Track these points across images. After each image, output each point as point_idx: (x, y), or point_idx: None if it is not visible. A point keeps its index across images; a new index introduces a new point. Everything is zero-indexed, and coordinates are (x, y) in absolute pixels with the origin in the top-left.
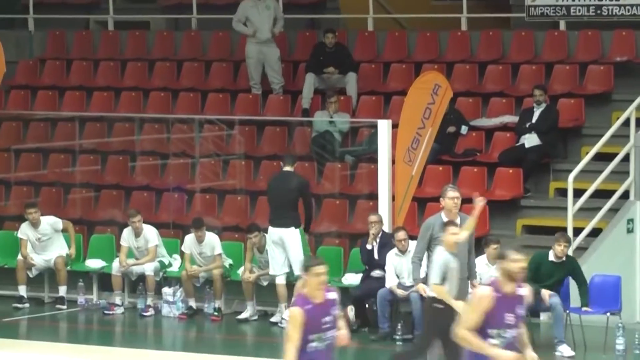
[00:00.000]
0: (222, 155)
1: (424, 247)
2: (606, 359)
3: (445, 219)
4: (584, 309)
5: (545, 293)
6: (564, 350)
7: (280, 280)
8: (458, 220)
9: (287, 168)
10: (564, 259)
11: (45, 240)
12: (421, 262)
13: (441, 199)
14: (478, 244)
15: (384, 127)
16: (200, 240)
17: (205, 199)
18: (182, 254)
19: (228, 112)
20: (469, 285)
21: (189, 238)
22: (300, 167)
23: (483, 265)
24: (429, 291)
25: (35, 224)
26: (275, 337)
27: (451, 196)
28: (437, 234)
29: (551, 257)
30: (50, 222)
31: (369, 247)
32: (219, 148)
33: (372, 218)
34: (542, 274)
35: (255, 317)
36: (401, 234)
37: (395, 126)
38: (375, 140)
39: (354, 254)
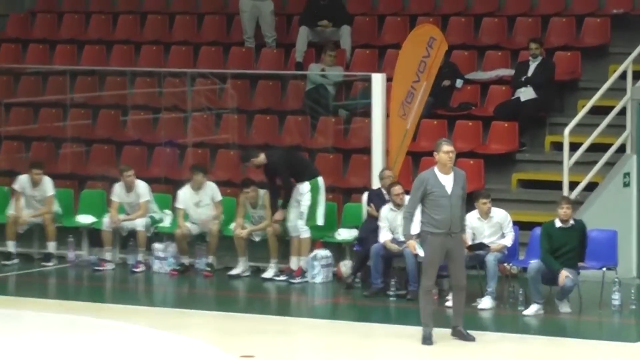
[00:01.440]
0: (214, 109)
1: (417, 201)
2: (602, 314)
3: (438, 174)
4: (580, 264)
5: (562, 275)
6: (563, 307)
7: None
8: (452, 176)
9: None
10: (572, 222)
11: (41, 199)
12: (413, 217)
13: (435, 153)
14: (470, 198)
15: (378, 80)
16: (198, 187)
17: (197, 154)
18: (174, 211)
19: (221, 66)
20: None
21: (184, 192)
22: (294, 122)
23: (475, 220)
24: (419, 250)
25: (36, 183)
26: (267, 293)
27: (445, 150)
28: (430, 189)
29: (558, 224)
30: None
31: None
32: (211, 102)
33: (387, 173)
34: (555, 243)
35: (247, 273)
36: (397, 189)
37: (389, 80)
38: (369, 94)
39: (348, 209)
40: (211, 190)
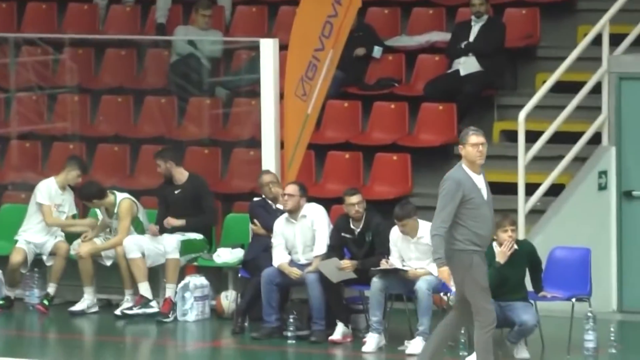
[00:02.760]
0: (47, 88)
1: (452, 212)
2: None
3: (471, 174)
4: (541, 294)
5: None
6: (519, 351)
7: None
8: (482, 176)
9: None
10: (514, 246)
11: None
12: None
13: (460, 145)
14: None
15: (268, 48)
16: (64, 186)
17: (24, 148)
18: None
19: (55, 29)
20: None
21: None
22: (155, 104)
23: (399, 237)
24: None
25: None
26: (120, 336)
27: (474, 142)
28: (469, 195)
29: (498, 249)
30: None
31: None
32: (42, 79)
33: (266, 178)
34: (495, 276)
35: (95, 309)
36: (289, 187)
37: (284, 47)
38: (257, 67)
39: (230, 222)
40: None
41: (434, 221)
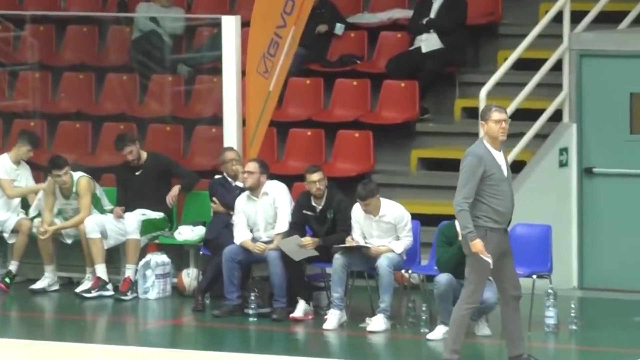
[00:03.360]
0: (7, 65)
1: (474, 187)
2: (532, 337)
3: (492, 149)
4: None
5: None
6: (480, 328)
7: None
8: (502, 153)
9: None
10: None
11: None
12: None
13: (482, 122)
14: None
15: (230, 25)
16: (18, 160)
17: None
18: None
19: (16, 6)
20: None
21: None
22: (117, 81)
23: (361, 214)
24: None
25: None
26: (81, 314)
27: (497, 118)
28: (490, 170)
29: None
30: None
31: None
32: (3, 55)
33: (229, 155)
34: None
35: (56, 287)
36: (249, 165)
37: (246, 24)
38: (219, 44)
39: (192, 199)
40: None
41: (456, 197)
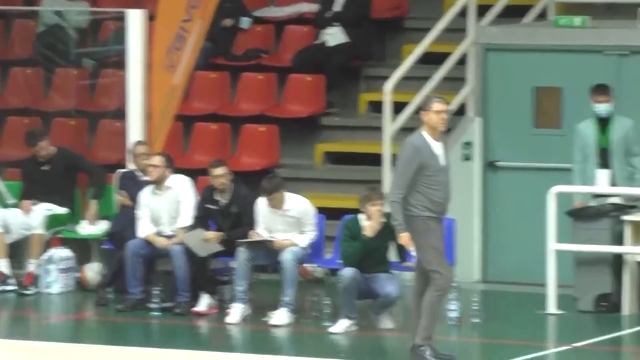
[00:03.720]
0: None
1: (410, 179)
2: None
3: (430, 140)
4: (404, 265)
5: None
6: (383, 321)
7: None
8: (442, 143)
9: None
10: (383, 219)
11: None
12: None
13: (422, 111)
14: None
15: (135, 19)
16: None
17: None
18: None
19: None
20: None
21: None
22: (21, 75)
23: (265, 208)
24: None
25: None
26: None
27: (437, 109)
28: (426, 161)
29: (366, 223)
30: None
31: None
32: None
33: (140, 149)
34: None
35: None
36: (155, 159)
37: (152, 18)
38: (125, 38)
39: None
40: None
41: (391, 188)
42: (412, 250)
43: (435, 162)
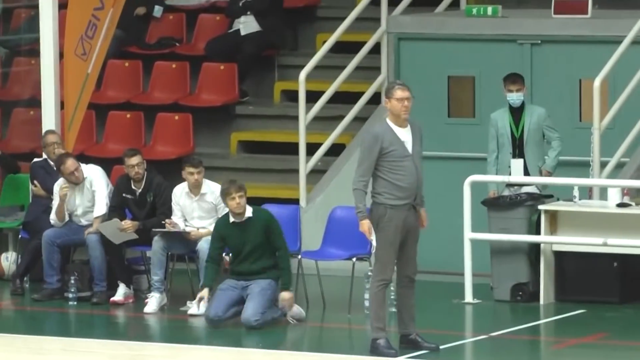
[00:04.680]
0: None
1: (373, 164)
2: (353, 320)
3: (394, 127)
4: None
5: None
6: (296, 311)
7: None
8: (409, 129)
9: None
10: (248, 215)
11: None
12: (367, 188)
13: (386, 99)
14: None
15: (48, 7)
16: None
17: None
18: None
19: None
20: None
21: None
22: None
23: (183, 195)
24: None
25: None
26: None
27: (400, 96)
28: (388, 147)
29: (232, 219)
30: None
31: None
32: None
33: (51, 138)
34: (233, 247)
35: None
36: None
37: (64, 6)
38: (37, 26)
39: (10, 183)
40: None
41: (354, 176)
42: (372, 239)
43: (401, 148)
